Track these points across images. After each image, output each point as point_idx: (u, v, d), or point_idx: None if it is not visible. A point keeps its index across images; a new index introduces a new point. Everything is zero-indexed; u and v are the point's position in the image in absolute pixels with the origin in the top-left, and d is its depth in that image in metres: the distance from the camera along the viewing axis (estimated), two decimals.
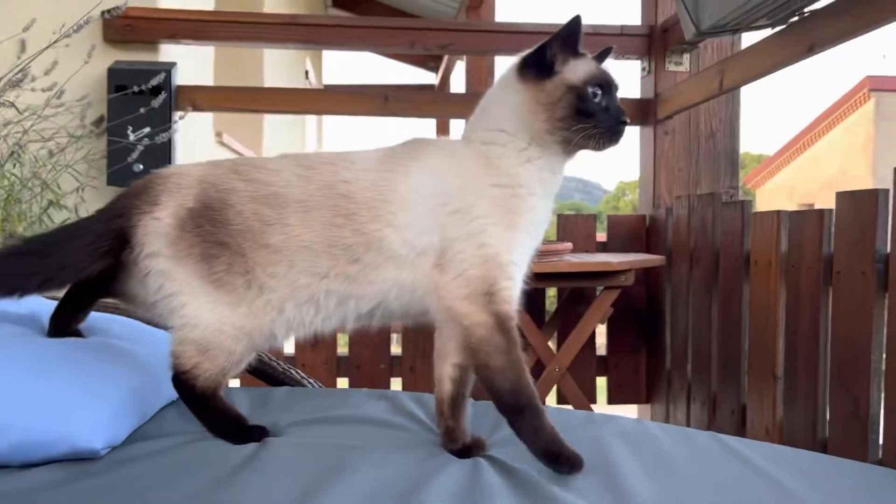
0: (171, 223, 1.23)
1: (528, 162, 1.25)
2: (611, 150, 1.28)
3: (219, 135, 4.23)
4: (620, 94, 1.30)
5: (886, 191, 1.81)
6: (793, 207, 2.48)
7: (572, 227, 3.20)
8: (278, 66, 6.61)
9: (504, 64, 1.34)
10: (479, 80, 7.15)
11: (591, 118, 1.22)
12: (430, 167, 1.26)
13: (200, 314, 1.22)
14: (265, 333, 1.26)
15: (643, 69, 3.26)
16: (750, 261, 2.35)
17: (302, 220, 1.23)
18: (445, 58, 10.00)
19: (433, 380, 1.34)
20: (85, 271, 1.25)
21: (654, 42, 3.20)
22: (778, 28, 2.17)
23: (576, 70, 1.24)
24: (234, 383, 2.57)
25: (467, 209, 1.22)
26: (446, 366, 1.30)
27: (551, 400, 3.01)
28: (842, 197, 1.93)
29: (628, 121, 1.26)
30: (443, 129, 10.40)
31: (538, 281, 1.36)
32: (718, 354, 2.58)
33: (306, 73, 9.19)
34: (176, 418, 1.38)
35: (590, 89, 1.23)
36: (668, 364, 3.04)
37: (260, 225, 1.23)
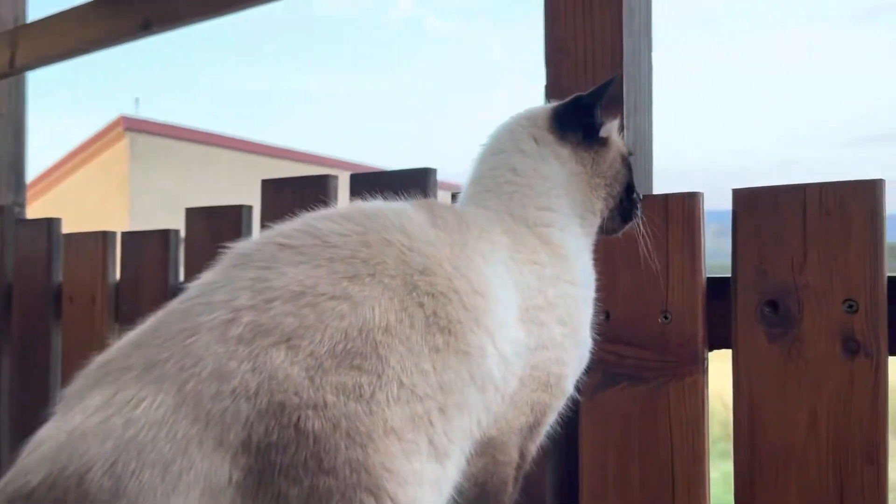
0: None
1: (584, 250, 1.03)
2: None
3: None
4: None
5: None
6: None
7: None
8: None
9: None
10: None
11: (633, 191, 1.05)
12: (501, 250, 0.93)
13: None
14: None
15: None
16: (63, 297, 1.81)
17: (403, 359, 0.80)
18: None
19: None
20: None
21: None
22: None
23: (616, 134, 1.06)
24: None
25: (549, 307, 0.92)
26: None
27: None
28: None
29: None
30: None
31: None
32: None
33: None
34: None
35: (630, 158, 1.07)
36: None
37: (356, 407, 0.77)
